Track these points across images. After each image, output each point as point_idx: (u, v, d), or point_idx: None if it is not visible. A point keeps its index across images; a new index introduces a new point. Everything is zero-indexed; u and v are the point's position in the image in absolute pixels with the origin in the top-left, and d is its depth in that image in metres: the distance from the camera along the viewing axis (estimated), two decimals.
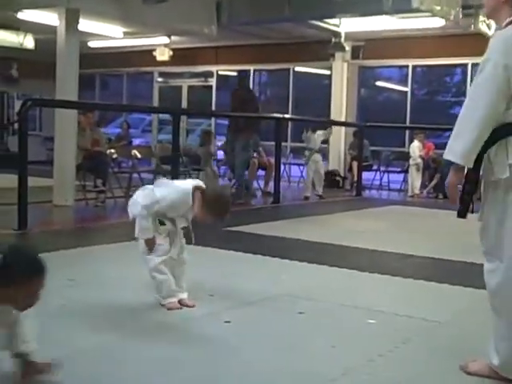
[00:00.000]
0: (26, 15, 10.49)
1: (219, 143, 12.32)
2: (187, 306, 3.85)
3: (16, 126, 13.25)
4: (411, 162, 11.86)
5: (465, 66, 12.53)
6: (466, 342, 3.40)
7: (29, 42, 12.87)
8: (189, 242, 3.95)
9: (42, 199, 8.29)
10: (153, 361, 2.97)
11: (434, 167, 11.84)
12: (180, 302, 3.86)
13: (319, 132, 11.27)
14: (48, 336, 3.28)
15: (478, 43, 10.40)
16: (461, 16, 9.97)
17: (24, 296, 2.27)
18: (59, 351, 2.97)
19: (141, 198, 3.80)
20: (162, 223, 3.81)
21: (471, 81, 12.50)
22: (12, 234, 6.31)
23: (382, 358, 3.13)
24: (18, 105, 14.21)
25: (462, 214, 2.89)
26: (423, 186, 12.04)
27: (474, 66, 12.24)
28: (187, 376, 2.82)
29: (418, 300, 4.35)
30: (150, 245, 3.80)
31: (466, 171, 2.83)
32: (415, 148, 11.85)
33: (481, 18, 10.09)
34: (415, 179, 11.90)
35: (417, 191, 11.87)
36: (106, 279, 4.53)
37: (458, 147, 2.73)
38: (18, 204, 6.53)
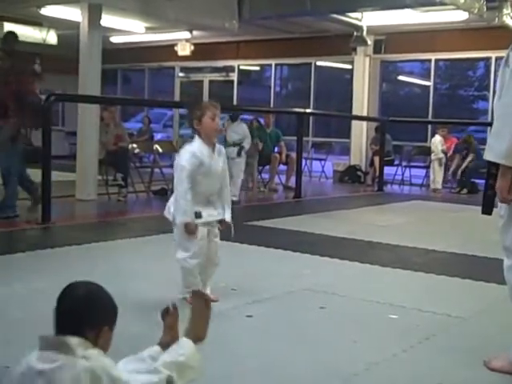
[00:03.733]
0: (48, 11, 10.57)
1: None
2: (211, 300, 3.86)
3: None
4: (433, 156, 11.77)
5: (488, 59, 12.40)
6: (490, 339, 3.37)
7: (52, 37, 12.97)
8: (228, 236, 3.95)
9: (64, 193, 8.37)
10: None
11: (466, 147, 11.64)
12: None
13: (237, 123, 9.81)
14: None
15: (502, 36, 10.34)
16: (485, 9, 9.86)
17: None
18: None
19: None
20: (198, 216, 3.74)
21: (495, 75, 12.40)
22: (36, 228, 6.38)
23: (405, 354, 3.12)
24: None
25: (486, 211, 2.84)
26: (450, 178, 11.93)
27: (498, 59, 12.10)
28: (209, 369, 2.83)
29: (440, 295, 4.32)
30: (191, 230, 3.71)
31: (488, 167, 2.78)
32: (437, 143, 11.76)
33: (505, 11, 9.97)
34: (437, 174, 11.81)
35: (439, 186, 11.78)
36: (128, 273, 4.55)
37: (501, 146, 2.61)
38: (42, 198, 6.61)
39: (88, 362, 1.70)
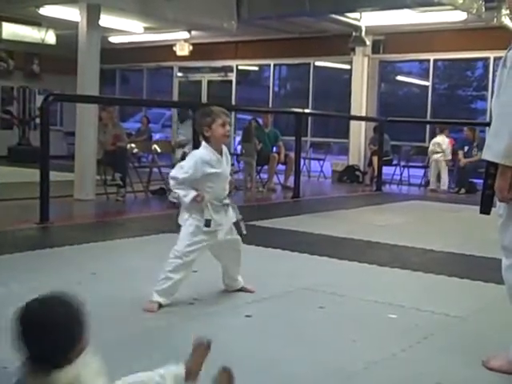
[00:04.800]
0: (47, 11, 10.56)
1: (239, 138, 12.34)
2: (249, 291, 4.09)
3: (38, 120, 13.45)
4: (441, 157, 11.69)
5: (486, 59, 12.41)
6: (488, 338, 3.37)
7: (50, 37, 12.96)
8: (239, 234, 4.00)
9: (63, 193, 8.36)
10: (175, 353, 2.98)
11: (469, 143, 11.54)
12: (242, 289, 4.08)
13: (186, 124, 8.98)
14: None
15: (500, 37, 10.31)
16: (483, 9, 9.87)
17: None
18: None
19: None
20: (207, 224, 3.74)
21: (493, 75, 12.40)
22: (34, 228, 6.38)
23: (404, 353, 3.12)
24: (39, 100, 14.41)
25: (485, 211, 2.84)
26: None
27: (496, 59, 12.10)
28: (208, 369, 2.82)
29: (439, 295, 4.32)
30: (200, 198, 3.69)
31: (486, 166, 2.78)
32: (447, 143, 11.75)
33: (503, 11, 9.97)
34: (445, 175, 11.77)
35: (445, 187, 11.75)
36: (127, 272, 4.55)
37: (499, 146, 2.60)
38: (40, 198, 6.60)
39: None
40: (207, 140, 3.78)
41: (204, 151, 3.77)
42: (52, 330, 1.55)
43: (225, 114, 3.81)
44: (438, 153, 11.77)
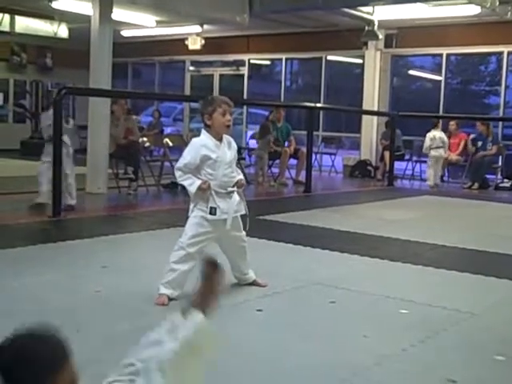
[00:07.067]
0: (60, 4, 10.60)
1: (250, 132, 12.34)
2: (260, 285, 4.11)
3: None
4: (442, 151, 11.64)
5: (500, 54, 12.31)
6: (500, 334, 3.36)
7: (63, 31, 13.02)
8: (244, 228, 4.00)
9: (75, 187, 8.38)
10: None
11: (483, 138, 11.51)
12: (253, 283, 4.11)
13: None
14: (84, 321, 3.34)
15: None
16: (497, 3, 9.79)
17: None
18: (96, 336, 3.01)
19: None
20: (212, 212, 3.78)
21: (507, 69, 12.31)
22: (46, 221, 6.41)
23: (415, 348, 3.11)
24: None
25: None
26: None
27: (510, 54, 12.02)
28: (220, 363, 2.83)
29: (451, 291, 4.30)
30: (205, 186, 3.73)
31: None
32: (446, 137, 11.72)
33: None
34: (440, 168, 11.75)
35: (438, 181, 11.74)
36: (138, 266, 4.57)
37: None
38: (53, 191, 6.63)
39: None
40: (208, 128, 3.84)
41: (203, 137, 3.86)
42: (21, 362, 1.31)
43: (226, 104, 3.84)
44: (439, 147, 11.64)
